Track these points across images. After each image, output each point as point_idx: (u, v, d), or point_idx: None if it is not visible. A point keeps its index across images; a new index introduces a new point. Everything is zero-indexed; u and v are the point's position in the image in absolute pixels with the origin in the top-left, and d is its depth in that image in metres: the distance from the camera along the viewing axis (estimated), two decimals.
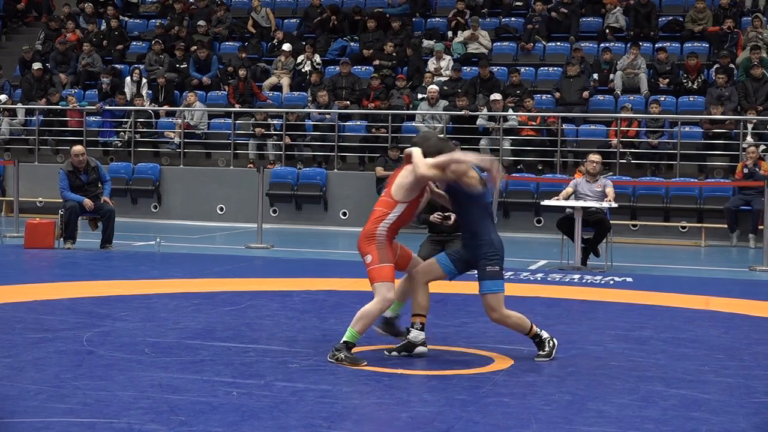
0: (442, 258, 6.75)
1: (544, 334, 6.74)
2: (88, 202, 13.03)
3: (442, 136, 6.70)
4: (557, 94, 18.24)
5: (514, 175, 16.49)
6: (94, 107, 19.34)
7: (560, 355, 6.78)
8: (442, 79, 18.84)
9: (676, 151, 16.67)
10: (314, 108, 18.59)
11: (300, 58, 20.12)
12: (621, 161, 16.83)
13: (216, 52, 21.06)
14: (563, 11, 20.45)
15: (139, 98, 19.28)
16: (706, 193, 16.20)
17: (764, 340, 7.75)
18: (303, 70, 19.97)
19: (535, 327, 6.72)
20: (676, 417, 5.35)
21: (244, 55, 20.14)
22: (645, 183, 16.42)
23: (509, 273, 10.62)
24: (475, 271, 6.66)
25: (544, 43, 20.17)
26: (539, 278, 11.14)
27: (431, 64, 19.42)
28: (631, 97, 18.14)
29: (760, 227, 14.01)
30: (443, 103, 17.91)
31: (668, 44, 19.37)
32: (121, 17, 22.86)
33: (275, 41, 21.03)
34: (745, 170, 15.25)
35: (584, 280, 11.11)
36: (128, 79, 20.20)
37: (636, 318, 8.65)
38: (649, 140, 16.98)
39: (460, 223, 6.79)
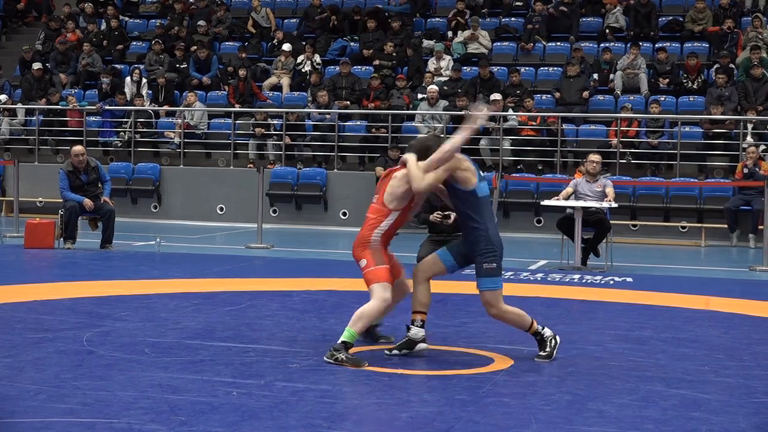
0: (442, 252, 6.74)
1: (547, 333, 6.71)
2: (88, 202, 13.03)
3: (438, 135, 6.68)
4: (557, 94, 18.24)
5: (514, 175, 16.49)
6: (94, 107, 19.34)
7: (560, 355, 6.77)
8: (442, 79, 18.84)
9: (676, 151, 16.67)
10: (314, 108, 18.59)
11: (300, 58, 20.13)
12: (621, 161, 16.83)
13: (216, 52, 21.06)
14: (563, 9, 20.45)
15: (139, 98, 19.28)
16: (706, 193, 16.20)
17: (764, 340, 7.75)
18: (303, 70, 19.97)
19: (535, 324, 6.70)
20: (676, 417, 5.35)
21: (244, 55, 20.14)
22: (645, 183, 16.43)
23: (509, 273, 10.65)
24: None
25: (544, 43, 20.17)
26: (539, 278, 11.14)
27: (431, 64, 19.42)
28: (631, 97, 18.14)
29: (760, 227, 14.01)
30: (443, 103, 17.91)
31: (668, 44, 19.37)
32: (121, 17, 22.86)
33: (275, 41, 21.04)
34: (745, 170, 15.26)
35: (584, 280, 11.11)
36: (128, 79, 20.21)
37: (636, 318, 8.64)
38: (649, 140, 16.98)
39: (458, 216, 6.79)
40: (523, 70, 19.13)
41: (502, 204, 16.19)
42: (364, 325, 6.50)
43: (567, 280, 11.13)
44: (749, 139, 16.52)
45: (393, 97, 18.65)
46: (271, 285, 10.17)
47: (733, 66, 18.16)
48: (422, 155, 6.53)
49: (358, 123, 18.58)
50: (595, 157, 12.54)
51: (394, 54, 19.75)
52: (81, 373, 5.99)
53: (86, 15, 23.06)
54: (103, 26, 22.57)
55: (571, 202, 12.29)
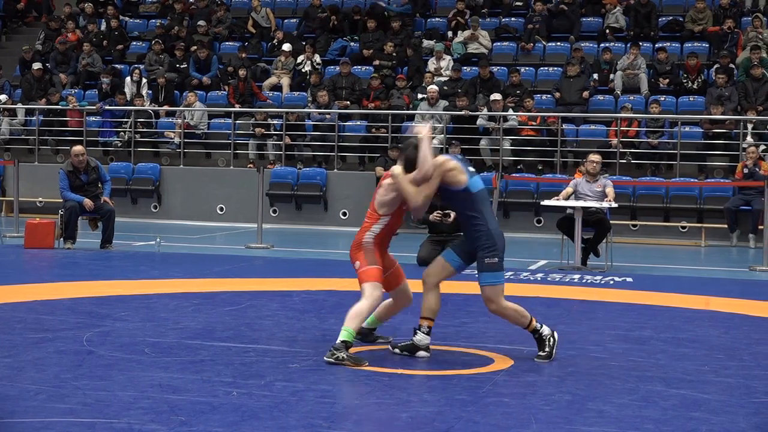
0: (447, 254, 6.75)
1: (545, 331, 6.70)
2: (88, 202, 13.03)
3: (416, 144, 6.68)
4: (557, 94, 18.24)
5: (514, 175, 16.49)
6: (94, 107, 19.34)
7: (560, 355, 6.77)
8: (442, 79, 18.84)
9: (676, 151, 16.67)
10: (314, 108, 18.59)
11: (300, 58, 20.12)
12: (621, 161, 16.84)
13: (216, 52, 21.06)
14: (563, 8, 20.46)
15: (139, 98, 19.28)
16: (706, 193, 16.20)
17: (764, 340, 7.75)
18: (303, 70, 19.97)
19: (534, 321, 6.70)
20: (676, 417, 5.35)
21: (244, 55, 20.14)
22: (645, 183, 16.43)
23: (509, 273, 10.62)
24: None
25: (544, 43, 20.17)
26: (539, 278, 11.14)
27: (431, 64, 19.42)
28: (631, 97, 18.14)
29: (760, 227, 14.01)
30: (443, 103, 17.91)
31: (668, 44, 19.37)
32: (121, 17, 22.86)
33: (275, 41, 21.04)
34: (745, 170, 15.26)
35: (584, 280, 11.11)
36: (128, 79, 20.21)
37: (636, 318, 8.65)
38: (649, 140, 16.98)
39: (457, 215, 6.80)
40: (523, 70, 19.13)
41: (502, 204, 16.18)
42: (359, 323, 6.54)
43: (567, 280, 11.13)
44: (749, 139, 16.52)
45: (393, 97, 18.65)
46: (271, 285, 10.17)
47: (733, 66, 18.16)
48: (409, 168, 6.55)
49: (358, 123, 18.58)
50: (595, 157, 12.54)
51: (394, 54, 19.75)
52: (81, 373, 5.99)
53: (86, 15, 23.07)
54: (103, 26, 22.57)
55: (571, 202, 12.29)
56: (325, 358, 6.42)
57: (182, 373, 6.04)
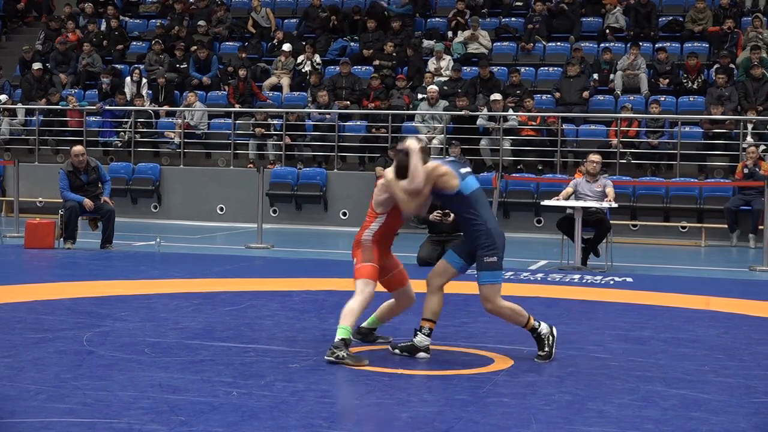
0: (449, 256, 6.75)
1: (543, 330, 6.68)
2: (88, 202, 13.03)
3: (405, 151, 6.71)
4: (557, 94, 18.24)
5: (514, 175, 16.49)
6: (94, 107, 19.34)
7: (560, 355, 6.77)
8: (442, 79, 18.84)
9: (676, 151, 16.67)
10: (314, 108, 18.59)
11: (300, 58, 20.12)
12: (621, 161, 16.84)
13: (216, 52, 21.06)
14: (563, 8, 20.47)
15: (139, 98, 19.28)
16: (706, 193, 16.20)
17: (764, 340, 7.75)
18: (303, 70, 19.97)
19: (532, 320, 6.69)
20: (676, 417, 5.35)
21: (244, 55, 20.14)
22: (645, 183, 16.43)
23: (509, 273, 10.64)
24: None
25: (544, 43, 20.17)
26: (539, 278, 11.14)
27: (431, 64, 19.42)
28: (631, 97, 18.14)
29: (760, 227, 14.01)
30: (443, 103, 17.91)
31: (668, 44, 19.37)
32: (121, 17, 22.86)
33: (275, 41, 21.04)
34: (745, 170, 15.26)
35: (584, 280, 11.11)
36: (128, 79, 20.21)
37: (636, 318, 8.65)
38: (649, 140, 16.98)
39: (456, 217, 6.81)
40: (523, 70, 19.13)
41: (502, 204, 16.18)
42: (353, 319, 6.56)
43: (567, 280, 11.13)
44: (749, 139, 16.52)
45: (393, 97, 18.65)
46: (271, 285, 10.17)
47: (733, 66, 18.16)
48: (400, 174, 6.55)
49: (358, 123, 18.58)
50: (595, 157, 12.54)
51: (394, 54, 19.75)
52: (81, 373, 5.99)
53: (86, 15, 23.07)
54: (103, 26, 22.57)
55: (571, 202, 12.29)
56: (325, 357, 6.43)
57: (182, 373, 6.04)
